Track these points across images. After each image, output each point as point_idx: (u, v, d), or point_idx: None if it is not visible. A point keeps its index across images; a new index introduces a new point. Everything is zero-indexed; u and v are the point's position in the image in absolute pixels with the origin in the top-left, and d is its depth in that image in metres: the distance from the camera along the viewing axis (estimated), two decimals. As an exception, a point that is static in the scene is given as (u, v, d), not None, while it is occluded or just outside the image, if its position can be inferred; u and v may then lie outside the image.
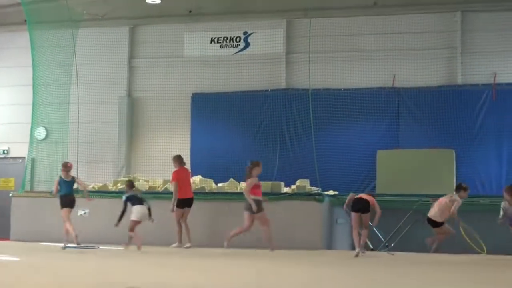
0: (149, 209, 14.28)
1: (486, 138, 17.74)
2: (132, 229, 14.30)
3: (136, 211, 14.40)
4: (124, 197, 14.62)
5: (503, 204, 13.45)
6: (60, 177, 15.17)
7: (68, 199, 14.97)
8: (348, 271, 10.86)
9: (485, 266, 12.07)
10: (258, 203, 14.01)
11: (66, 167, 15.38)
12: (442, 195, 15.18)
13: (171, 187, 15.61)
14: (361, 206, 13.81)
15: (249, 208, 13.96)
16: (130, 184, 15.37)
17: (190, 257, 13.35)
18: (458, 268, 11.75)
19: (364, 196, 14.03)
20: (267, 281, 9.13)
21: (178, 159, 15.69)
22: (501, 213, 13.39)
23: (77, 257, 13.17)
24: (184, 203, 15.19)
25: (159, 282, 8.32)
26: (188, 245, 14.87)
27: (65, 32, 19.38)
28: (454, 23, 18.60)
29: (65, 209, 14.85)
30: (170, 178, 16.44)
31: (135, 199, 14.61)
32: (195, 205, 15.57)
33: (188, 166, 18.82)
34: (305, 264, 11.95)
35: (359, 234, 14.01)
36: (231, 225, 15.18)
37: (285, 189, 16.54)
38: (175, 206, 14.90)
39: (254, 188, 14.47)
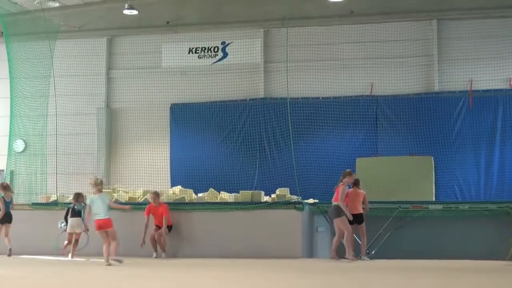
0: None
1: (464, 144, 17.96)
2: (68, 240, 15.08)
3: (69, 224, 15.01)
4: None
5: None
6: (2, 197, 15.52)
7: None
8: (332, 279, 10.84)
9: (466, 272, 11.99)
10: (339, 209, 13.91)
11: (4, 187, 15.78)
12: (421, 202, 15.66)
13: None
14: (355, 219, 14.17)
15: (338, 214, 13.86)
16: (75, 197, 15.63)
17: (157, 267, 13.17)
18: (437, 274, 11.59)
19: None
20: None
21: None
22: None
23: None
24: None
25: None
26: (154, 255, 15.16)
27: (43, 44, 19.31)
28: (430, 31, 18.85)
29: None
30: (150, 188, 16.87)
31: (72, 212, 15.16)
32: (175, 216, 15.62)
33: (167, 176, 19.44)
34: (286, 272, 11.87)
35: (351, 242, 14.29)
36: (212, 235, 15.37)
37: (265, 198, 16.48)
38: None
39: (346, 197, 14.41)
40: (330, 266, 13.46)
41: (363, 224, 14.52)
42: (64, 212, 16.00)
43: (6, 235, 15.36)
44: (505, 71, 18.33)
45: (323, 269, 12.92)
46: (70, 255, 15.19)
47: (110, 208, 13.42)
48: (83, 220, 14.97)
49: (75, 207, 15.42)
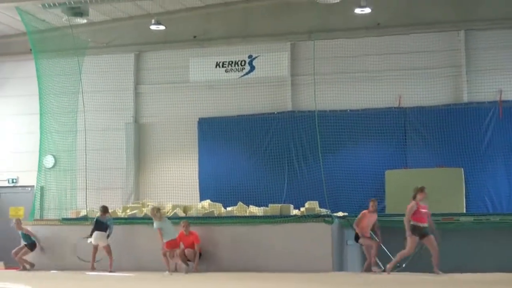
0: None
1: (494, 155, 17.71)
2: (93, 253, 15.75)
3: (93, 237, 15.71)
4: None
5: None
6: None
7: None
8: None
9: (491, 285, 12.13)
10: (418, 228, 13.73)
11: None
12: (452, 214, 15.58)
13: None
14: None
15: (413, 232, 13.76)
16: (103, 209, 16.29)
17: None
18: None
19: None
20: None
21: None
22: None
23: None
24: None
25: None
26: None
27: (71, 60, 19.39)
28: (458, 42, 18.64)
29: None
30: (178, 203, 17.41)
31: (96, 225, 15.82)
32: (204, 229, 15.78)
33: (196, 190, 19.47)
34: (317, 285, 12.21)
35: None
36: (240, 249, 15.51)
37: (295, 212, 16.51)
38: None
39: (416, 214, 14.21)
40: (360, 280, 13.78)
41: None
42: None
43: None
44: None
45: (353, 283, 13.15)
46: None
47: None
48: (108, 235, 15.87)
49: (101, 220, 15.90)
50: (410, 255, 13.92)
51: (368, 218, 15.06)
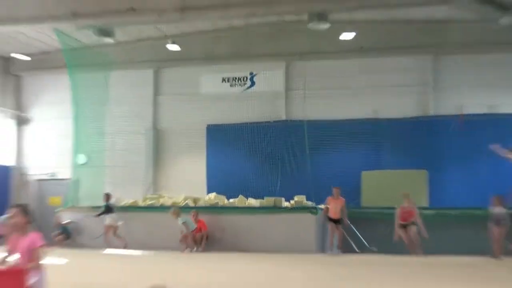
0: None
1: (454, 160, 18.26)
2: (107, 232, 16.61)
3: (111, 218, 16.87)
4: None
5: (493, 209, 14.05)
6: None
7: None
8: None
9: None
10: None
11: None
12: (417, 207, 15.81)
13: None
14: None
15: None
16: (107, 196, 17.41)
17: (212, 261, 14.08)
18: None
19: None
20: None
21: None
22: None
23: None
24: None
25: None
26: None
27: (100, 74, 20.09)
28: (427, 63, 19.30)
29: None
30: (193, 198, 17.95)
31: (107, 209, 17.04)
32: (210, 217, 16.59)
33: (204, 185, 19.93)
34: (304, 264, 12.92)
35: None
36: (240, 234, 16.28)
37: (286, 204, 17.09)
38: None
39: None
40: (339, 260, 14.27)
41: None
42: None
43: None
44: (490, 99, 18.53)
45: (333, 262, 13.82)
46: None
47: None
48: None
49: (109, 205, 17.10)
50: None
51: (333, 203, 15.57)
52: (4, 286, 5.21)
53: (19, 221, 6.07)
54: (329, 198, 15.79)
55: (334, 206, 15.68)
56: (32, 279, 5.63)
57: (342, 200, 15.75)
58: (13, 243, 6.14)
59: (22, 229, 6.08)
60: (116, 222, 16.89)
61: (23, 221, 6.08)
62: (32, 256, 5.91)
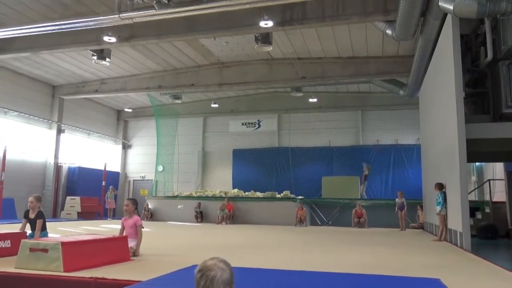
0: None
1: (375, 171, 17.98)
2: None
3: None
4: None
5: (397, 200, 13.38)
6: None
7: None
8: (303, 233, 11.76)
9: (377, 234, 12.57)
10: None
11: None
12: (353, 198, 16.00)
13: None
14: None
15: None
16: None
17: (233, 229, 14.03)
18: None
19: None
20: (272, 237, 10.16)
21: None
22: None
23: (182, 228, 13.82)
24: None
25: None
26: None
27: (172, 120, 20.37)
28: (358, 115, 19.19)
29: None
30: (224, 192, 17.53)
31: None
32: (234, 203, 16.23)
33: (230, 184, 19.54)
34: (291, 231, 12.76)
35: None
36: (251, 213, 15.96)
37: (278, 195, 16.76)
38: None
39: None
40: (307, 229, 13.97)
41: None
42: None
43: None
44: (394, 136, 18.44)
45: (305, 230, 13.70)
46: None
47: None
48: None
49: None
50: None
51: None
52: (116, 246, 5.12)
53: (130, 208, 5.88)
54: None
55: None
56: (131, 243, 5.53)
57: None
58: (124, 222, 5.96)
59: (130, 213, 5.91)
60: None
61: (132, 209, 5.90)
62: (135, 230, 5.81)
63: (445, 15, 8.52)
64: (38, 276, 4.00)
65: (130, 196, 20.44)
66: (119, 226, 6.23)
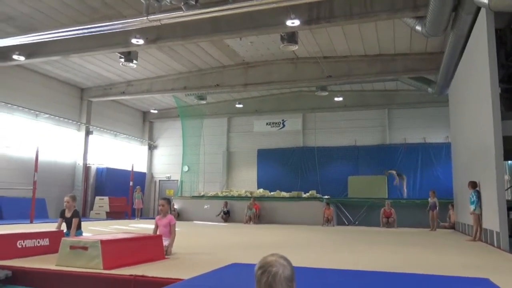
0: None
1: (403, 170, 17.43)
2: None
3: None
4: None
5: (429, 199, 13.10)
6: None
7: None
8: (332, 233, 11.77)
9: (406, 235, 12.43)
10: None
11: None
12: (380, 198, 15.84)
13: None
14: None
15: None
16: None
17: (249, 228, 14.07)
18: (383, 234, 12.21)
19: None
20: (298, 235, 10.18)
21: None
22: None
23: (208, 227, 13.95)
24: None
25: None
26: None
27: (197, 121, 20.53)
28: (384, 114, 18.95)
29: None
30: (249, 191, 17.53)
31: None
32: (260, 203, 16.23)
33: (255, 184, 19.51)
34: (319, 231, 12.76)
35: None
36: (277, 213, 15.90)
37: (304, 195, 16.71)
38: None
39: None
40: (335, 228, 13.97)
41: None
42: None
43: None
44: (422, 134, 18.11)
45: (333, 230, 13.69)
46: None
47: None
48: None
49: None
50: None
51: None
52: (151, 245, 5.18)
53: (165, 208, 5.94)
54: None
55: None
56: (165, 242, 5.57)
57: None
58: (158, 221, 6.00)
59: (165, 213, 5.95)
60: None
61: (167, 208, 5.98)
62: (169, 229, 5.85)
63: (479, 9, 8.29)
64: (79, 273, 4.09)
65: (161, 196, 20.32)
66: (147, 226, 6.31)
